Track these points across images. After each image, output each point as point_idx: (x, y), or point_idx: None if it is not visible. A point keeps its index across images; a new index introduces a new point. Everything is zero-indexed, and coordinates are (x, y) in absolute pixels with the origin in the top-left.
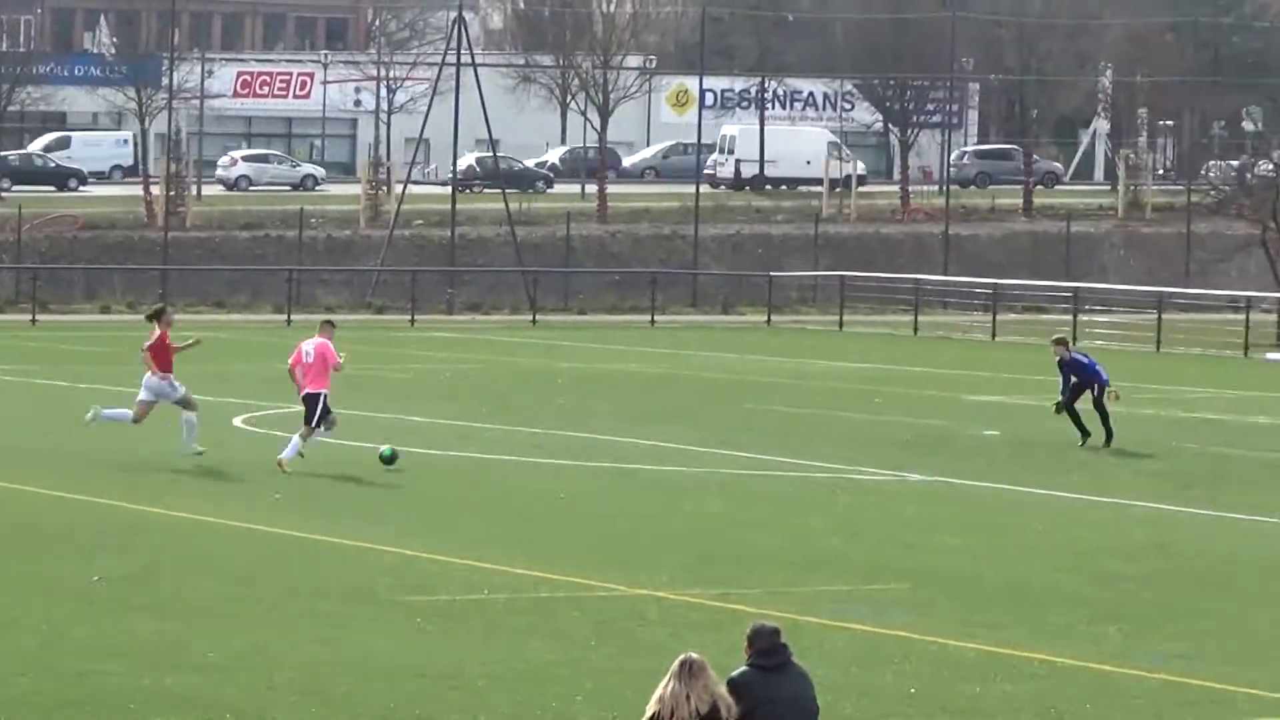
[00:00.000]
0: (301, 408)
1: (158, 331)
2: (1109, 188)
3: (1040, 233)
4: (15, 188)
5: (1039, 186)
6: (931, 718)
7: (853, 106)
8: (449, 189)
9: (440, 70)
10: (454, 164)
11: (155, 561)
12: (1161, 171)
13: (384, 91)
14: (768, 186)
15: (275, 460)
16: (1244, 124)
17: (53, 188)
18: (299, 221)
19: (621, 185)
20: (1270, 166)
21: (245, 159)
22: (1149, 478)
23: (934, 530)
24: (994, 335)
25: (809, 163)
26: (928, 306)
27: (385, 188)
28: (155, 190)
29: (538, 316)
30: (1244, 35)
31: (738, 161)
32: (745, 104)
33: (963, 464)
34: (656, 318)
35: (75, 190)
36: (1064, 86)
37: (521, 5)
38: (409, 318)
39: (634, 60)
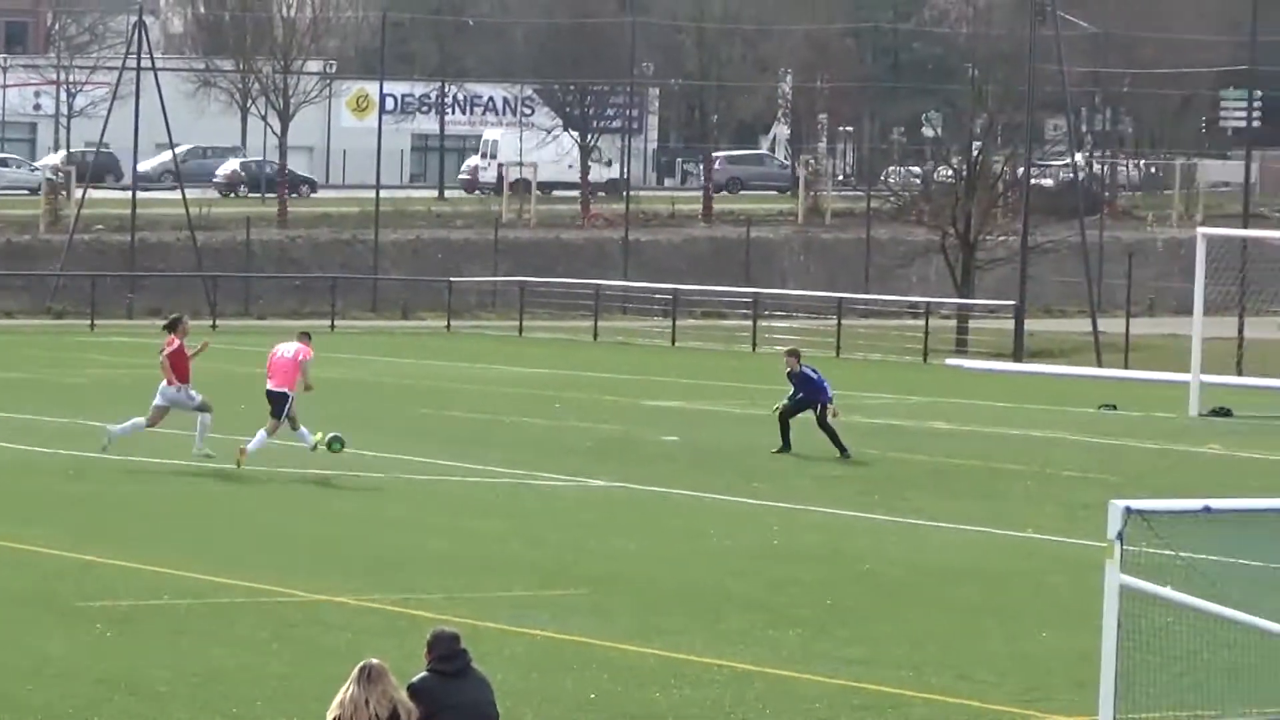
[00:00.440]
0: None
1: (176, 341)
2: (789, 193)
3: (720, 238)
4: None
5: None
6: None
7: (533, 111)
8: (130, 193)
9: (120, 74)
10: (134, 167)
11: None
12: (841, 177)
13: (64, 95)
14: (538, 191)
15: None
16: (924, 130)
17: None
18: None
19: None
20: (949, 172)
21: None
22: (828, 483)
23: (613, 535)
24: (674, 341)
25: (571, 166)
26: (608, 312)
27: (65, 192)
28: None
29: (218, 321)
30: (924, 41)
31: (500, 166)
32: (425, 109)
33: (642, 469)
34: (336, 323)
35: None
36: (744, 92)
37: (202, 9)
38: (89, 322)
39: (314, 65)
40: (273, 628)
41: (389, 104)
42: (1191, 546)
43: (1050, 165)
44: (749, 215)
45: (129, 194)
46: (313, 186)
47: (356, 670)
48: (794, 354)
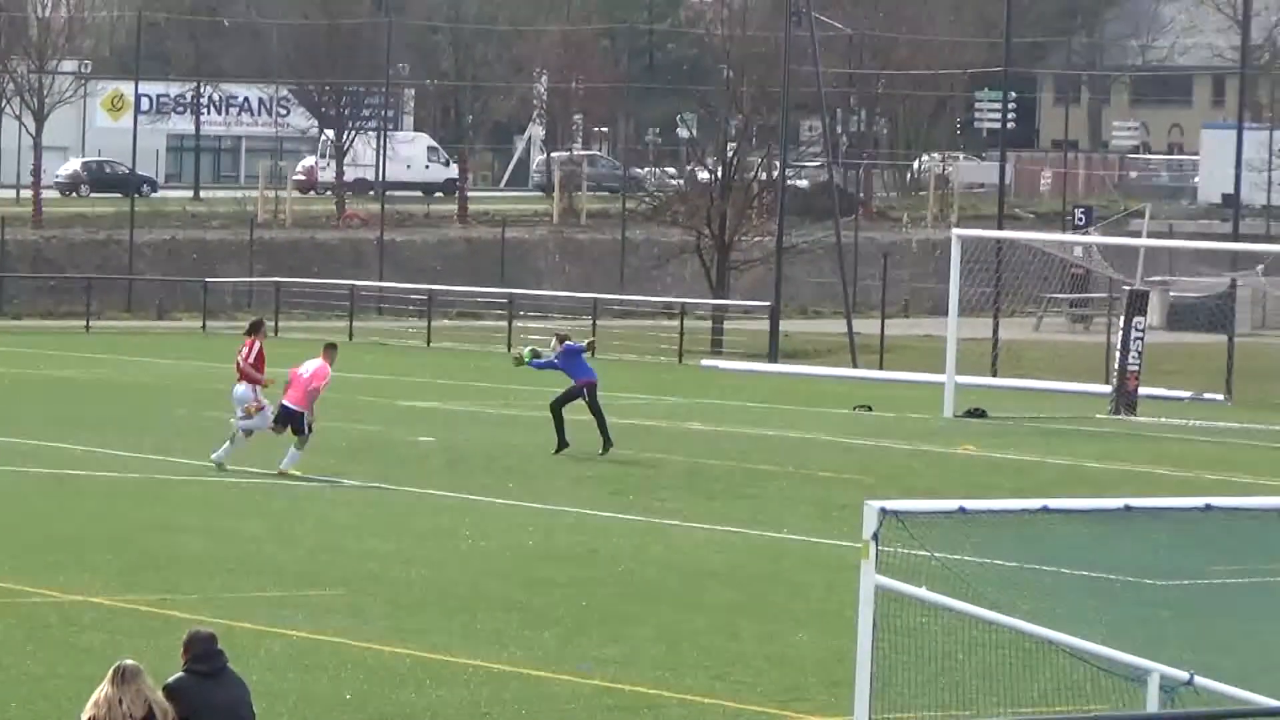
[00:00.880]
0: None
1: (256, 344)
2: (544, 194)
3: (476, 239)
4: None
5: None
6: None
7: (288, 112)
8: None
9: None
10: None
11: None
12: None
13: None
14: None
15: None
16: (679, 131)
17: None
18: None
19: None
20: (705, 173)
21: None
22: (584, 484)
23: (369, 536)
24: (429, 341)
25: (408, 167)
26: (363, 312)
27: None
28: None
29: None
30: (679, 42)
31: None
32: (181, 109)
33: (398, 470)
34: (92, 323)
35: None
36: (500, 92)
37: None
38: None
39: (70, 65)
40: (27, 629)
41: (144, 104)
42: (946, 547)
43: (805, 166)
44: (504, 216)
45: None
46: (153, 186)
47: (111, 670)
48: (563, 339)
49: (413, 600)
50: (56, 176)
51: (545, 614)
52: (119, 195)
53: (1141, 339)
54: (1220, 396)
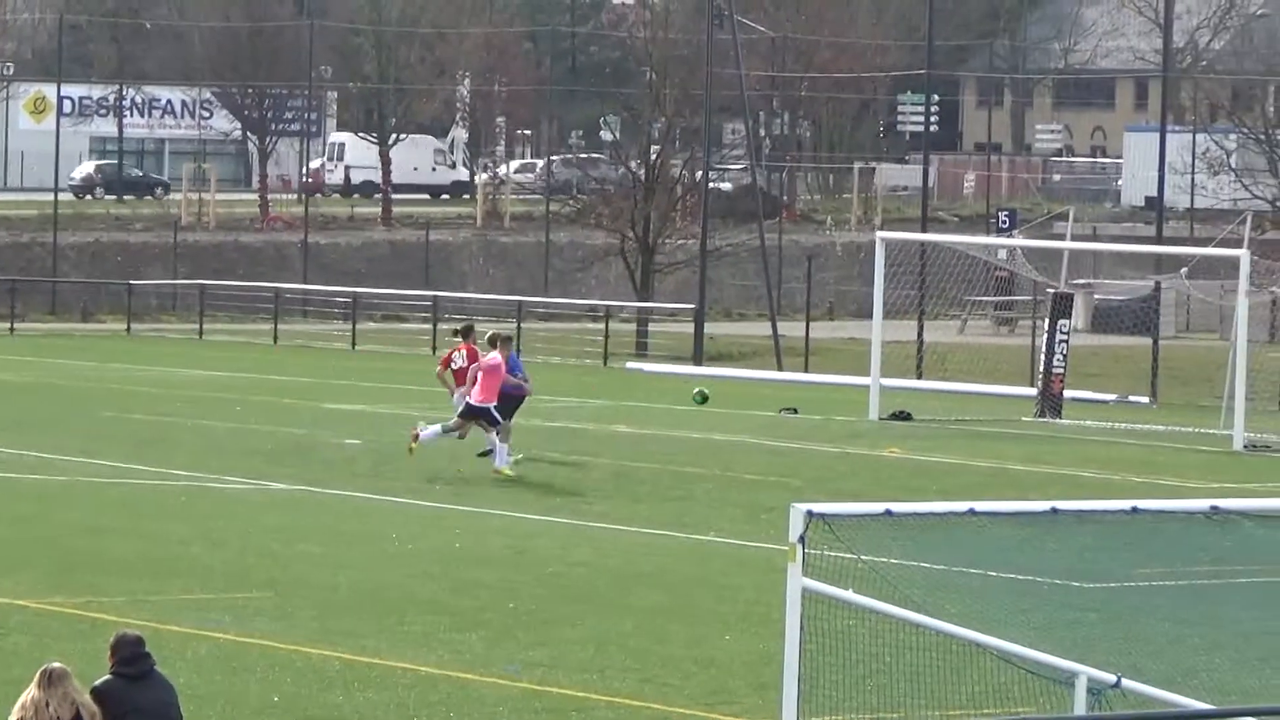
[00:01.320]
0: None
1: (465, 347)
2: (467, 197)
3: (400, 241)
4: None
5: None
6: None
7: (211, 114)
8: None
9: None
10: None
11: None
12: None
13: None
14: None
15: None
16: (602, 133)
17: None
18: None
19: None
20: (628, 176)
21: None
22: (511, 487)
23: (295, 539)
24: (354, 344)
25: (415, 169)
26: (288, 315)
27: None
28: None
29: None
30: (602, 44)
31: (347, 168)
32: (104, 111)
33: (324, 472)
34: (16, 325)
35: None
36: (422, 95)
37: None
38: None
39: None
40: None
41: (67, 106)
42: (873, 550)
43: (729, 169)
44: (428, 219)
45: None
46: (166, 189)
47: (39, 673)
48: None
49: (341, 603)
50: (71, 179)
51: (473, 616)
52: (133, 197)
53: (1066, 342)
54: (1145, 399)
